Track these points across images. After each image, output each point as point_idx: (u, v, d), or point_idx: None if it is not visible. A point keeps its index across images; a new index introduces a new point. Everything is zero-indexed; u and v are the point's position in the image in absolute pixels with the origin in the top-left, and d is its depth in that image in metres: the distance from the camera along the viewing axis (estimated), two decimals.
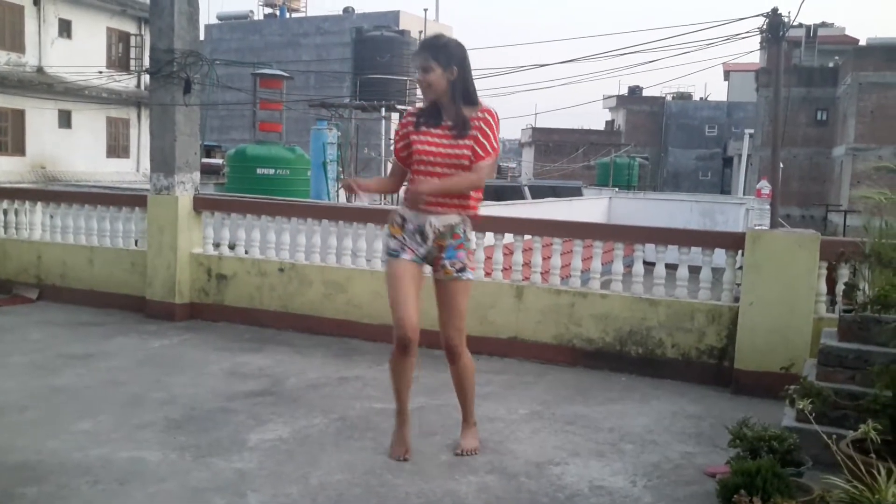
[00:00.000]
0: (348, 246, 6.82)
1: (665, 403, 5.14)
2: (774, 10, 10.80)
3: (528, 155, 60.78)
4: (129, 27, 28.45)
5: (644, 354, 5.84)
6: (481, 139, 3.78)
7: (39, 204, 8.29)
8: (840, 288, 5.34)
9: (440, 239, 3.86)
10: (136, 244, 7.77)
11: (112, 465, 3.77)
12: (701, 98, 64.56)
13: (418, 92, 3.95)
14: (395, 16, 42.07)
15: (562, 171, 48.86)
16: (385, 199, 16.97)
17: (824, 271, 5.49)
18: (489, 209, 17.42)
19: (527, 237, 6.39)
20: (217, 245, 7.39)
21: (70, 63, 24.45)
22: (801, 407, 3.65)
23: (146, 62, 8.65)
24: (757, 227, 6.49)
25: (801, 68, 41.80)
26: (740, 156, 39.15)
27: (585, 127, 62.16)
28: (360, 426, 4.45)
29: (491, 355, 6.15)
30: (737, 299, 5.67)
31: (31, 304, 7.73)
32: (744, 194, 33.61)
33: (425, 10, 39.85)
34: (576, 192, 31.83)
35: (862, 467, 3.03)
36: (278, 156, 20.29)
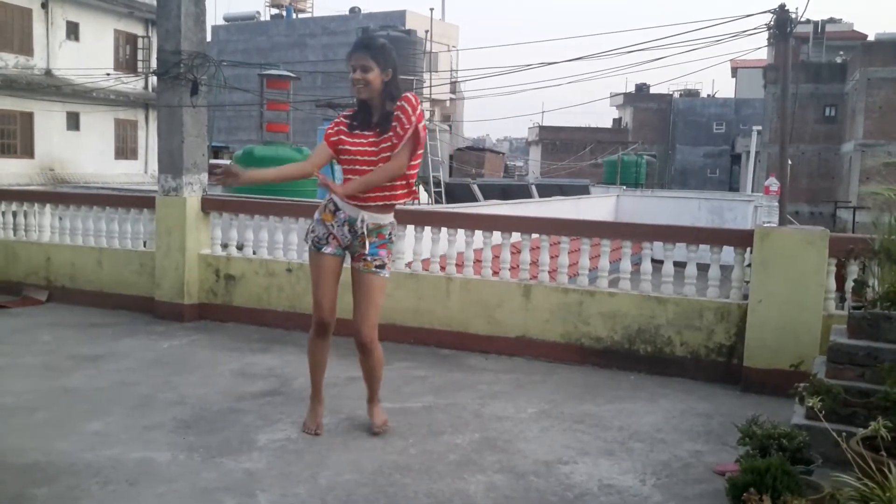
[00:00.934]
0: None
1: (674, 402, 5.13)
2: (782, 7, 10.76)
3: (536, 153, 60.72)
4: (137, 29, 28.54)
5: (653, 353, 5.83)
6: (402, 118, 3.92)
7: (48, 206, 8.33)
8: (849, 285, 5.31)
9: (367, 235, 4.08)
10: (144, 245, 7.80)
11: (122, 465, 3.79)
12: (708, 95, 64.41)
13: (410, 97, 4.01)
14: (401, 15, 42.09)
15: (569, 170, 48.81)
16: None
17: (833, 268, 5.47)
18: (496, 208, 17.42)
19: (534, 236, 6.39)
20: (225, 246, 7.40)
21: (78, 65, 24.54)
22: (810, 404, 3.64)
23: (153, 64, 8.67)
24: (765, 225, 6.48)
25: (809, 64, 41.64)
26: (748, 153, 39.06)
27: (593, 125, 62.12)
28: (369, 426, 4.44)
29: (499, 354, 6.15)
30: (745, 297, 5.66)
31: (41, 305, 7.77)
32: (752, 191, 33.54)
33: (431, 9, 39.91)
34: (583, 191, 31.80)
35: (872, 465, 3.03)
36: (286, 156, 20.29)
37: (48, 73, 25.07)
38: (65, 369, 5.48)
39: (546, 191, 29.19)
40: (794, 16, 10.76)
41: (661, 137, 58.43)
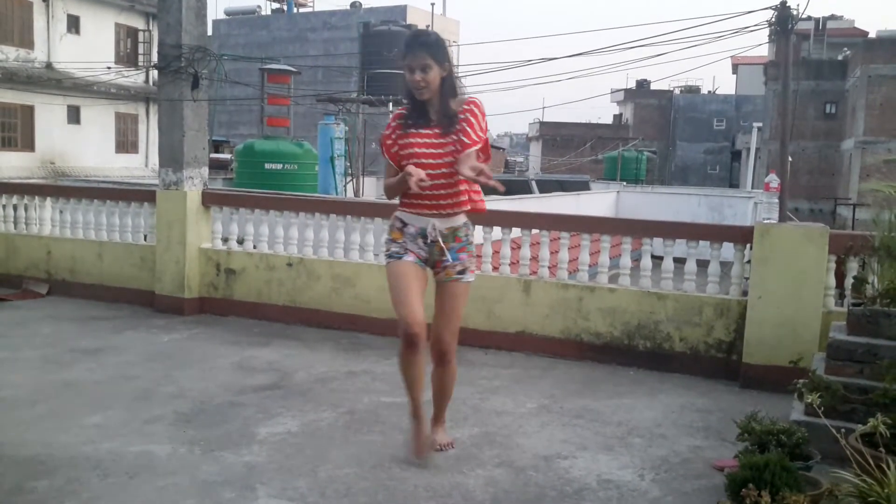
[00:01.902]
0: (356, 240, 6.84)
1: (673, 397, 5.14)
2: (783, 3, 10.74)
3: (536, 149, 60.68)
4: (138, 23, 28.49)
5: (652, 348, 5.84)
6: (467, 129, 3.64)
7: (49, 199, 8.33)
8: (849, 282, 5.32)
9: (442, 242, 3.76)
10: (145, 239, 7.80)
11: (122, 458, 3.80)
12: (709, 91, 64.33)
13: (476, 101, 3.74)
14: (402, 10, 42.00)
15: (569, 166, 48.79)
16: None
17: (833, 265, 5.47)
18: (496, 203, 17.42)
19: (534, 231, 6.39)
20: (226, 240, 7.41)
21: (79, 59, 24.53)
22: (809, 401, 3.65)
23: (154, 58, 8.65)
24: (765, 221, 6.47)
25: (810, 61, 41.58)
26: (749, 149, 39.00)
27: (593, 121, 62.10)
28: (369, 420, 4.46)
29: (499, 349, 6.16)
30: (745, 293, 5.66)
31: (41, 298, 7.77)
32: (752, 188, 33.49)
33: (432, 4, 39.85)
34: (583, 187, 31.77)
35: (871, 461, 3.03)
36: (286, 151, 20.32)
37: (49, 66, 25.04)
38: (65, 362, 5.49)
39: (546, 186, 29.18)
40: (795, 12, 10.74)
41: (661, 134, 58.39)
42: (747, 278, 5.74)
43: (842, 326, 4.45)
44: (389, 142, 3.82)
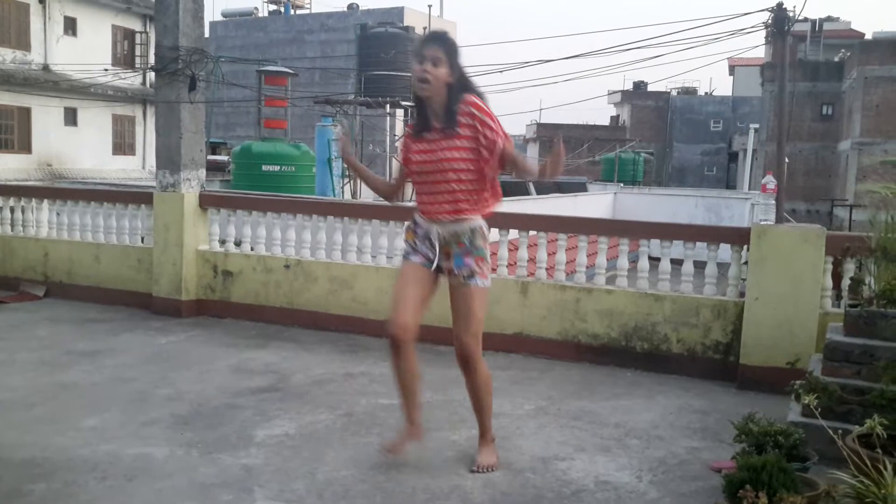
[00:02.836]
0: (353, 242, 6.84)
1: (670, 398, 5.15)
2: (779, 5, 10.75)
3: (533, 151, 60.63)
4: (135, 24, 28.49)
5: (649, 350, 5.84)
6: (488, 133, 3.55)
7: (46, 201, 8.33)
8: (846, 283, 5.34)
9: (446, 246, 3.74)
10: (142, 241, 7.80)
11: (119, 461, 3.79)
12: (706, 93, 64.44)
13: (477, 99, 3.66)
14: (399, 12, 42.02)
15: (567, 167, 48.76)
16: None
17: (830, 266, 5.48)
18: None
19: (531, 233, 6.39)
20: (223, 242, 7.41)
21: (75, 61, 24.50)
22: (806, 402, 3.66)
23: (151, 59, 8.65)
24: (762, 222, 6.48)
25: (807, 63, 41.69)
26: (745, 151, 39.09)
27: (590, 122, 62.05)
28: (366, 422, 4.46)
29: (496, 351, 6.15)
30: (742, 294, 5.67)
31: (38, 301, 7.76)
32: (749, 189, 33.56)
33: (429, 6, 39.89)
34: (581, 188, 31.79)
35: (868, 462, 3.04)
36: (283, 152, 20.31)
37: (46, 68, 25.03)
38: (62, 365, 5.48)
39: (543, 188, 29.18)
40: (791, 14, 10.76)
41: (658, 135, 58.44)
42: (744, 279, 5.74)
43: (839, 328, 4.46)
44: (403, 148, 3.88)
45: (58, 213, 8.22)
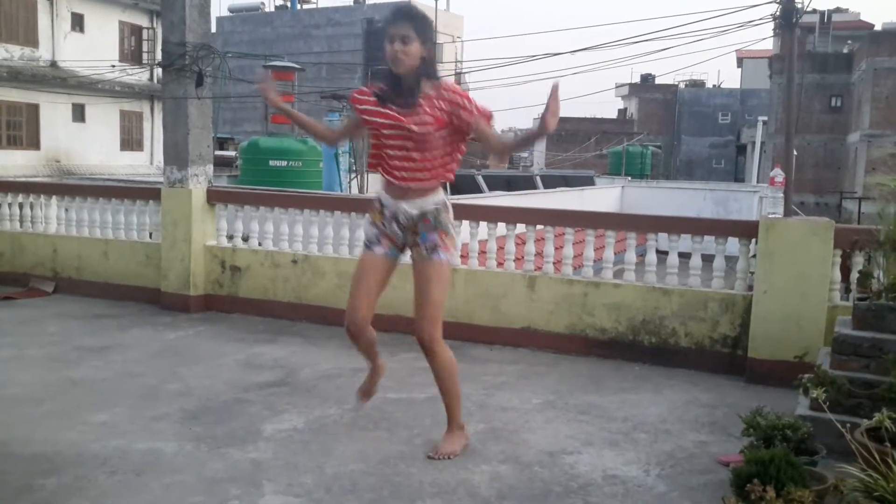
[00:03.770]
0: (361, 237, 6.83)
1: (678, 392, 5.14)
2: None
3: (540, 144, 60.49)
4: (142, 20, 28.54)
5: (657, 344, 5.84)
6: (461, 113, 3.63)
7: (54, 197, 8.36)
8: (854, 276, 5.32)
9: (413, 225, 3.79)
10: (150, 237, 7.82)
11: (129, 456, 3.81)
12: (714, 85, 64.24)
13: (452, 83, 3.74)
14: (405, 6, 41.96)
15: (574, 161, 48.72)
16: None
17: (838, 259, 5.46)
18: (500, 199, 17.42)
19: (539, 227, 6.39)
20: (231, 237, 7.43)
21: (83, 57, 24.58)
22: (815, 395, 3.64)
23: (158, 55, 8.67)
24: (770, 216, 6.45)
25: (816, 54, 41.48)
26: (754, 143, 38.93)
27: (598, 115, 61.93)
28: (374, 416, 4.47)
29: (504, 345, 6.16)
30: (750, 288, 5.66)
31: (48, 296, 7.80)
32: (757, 182, 33.43)
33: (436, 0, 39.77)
34: (588, 182, 31.75)
35: (876, 456, 3.03)
36: (291, 148, 20.31)
37: (53, 64, 25.10)
38: (71, 360, 5.50)
39: (551, 182, 29.16)
40: (800, 6, 10.70)
41: (666, 128, 58.30)
42: (752, 273, 5.73)
43: (847, 321, 4.45)
44: (360, 98, 3.84)
45: (66, 210, 8.25)
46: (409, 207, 3.77)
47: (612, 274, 6.18)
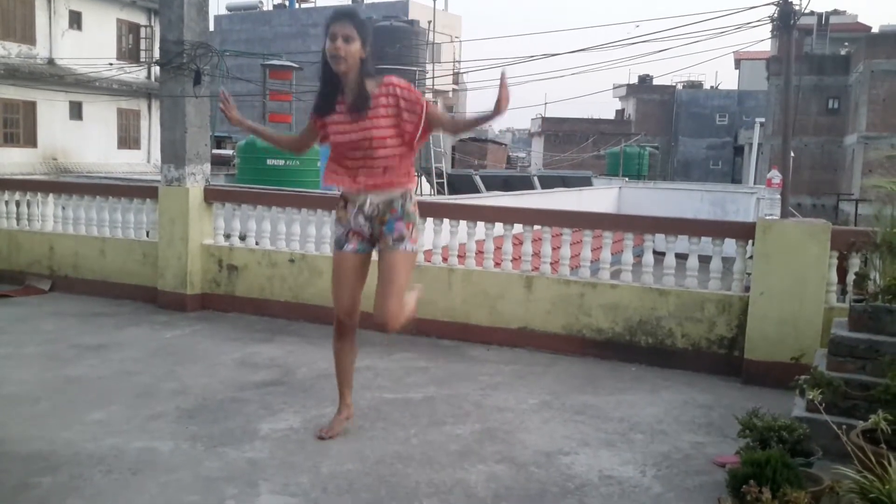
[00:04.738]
0: None
1: (675, 393, 5.15)
2: None
3: (538, 145, 60.63)
4: (139, 18, 28.51)
5: (654, 344, 5.84)
6: (413, 109, 3.72)
7: (51, 195, 8.34)
8: (851, 278, 5.32)
9: (380, 215, 3.86)
10: (147, 235, 7.81)
11: (125, 454, 3.81)
12: (712, 87, 64.25)
13: (395, 79, 3.83)
14: (403, 6, 41.97)
15: (572, 161, 48.76)
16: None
17: (835, 261, 5.47)
18: (497, 200, 17.42)
19: (536, 227, 6.39)
20: (228, 236, 7.41)
21: (80, 55, 24.54)
22: (811, 397, 3.65)
23: (156, 53, 8.66)
24: (767, 217, 6.47)
25: (813, 56, 41.52)
26: (751, 145, 38.97)
27: (595, 116, 61.96)
28: (371, 416, 4.47)
29: (500, 345, 6.16)
30: (747, 289, 5.66)
31: (44, 294, 7.79)
32: (754, 183, 33.48)
33: None
34: (586, 182, 31.76)
35: (872, 457, 3.03)
36: None
37: (51, 62, 25.07)
38: (67, 359, 5.50)
39: (548, 182, 29.17)
40: (797, 7, 10.73)
41: (663, 129, 58.34)
42: (749, 274, 5.74)
43: (843, 323, 4.45)
44: (319, 125, 3.94)
45: (63, 208, 8.23)
46: (375, 198, 3.86)
47: (609, 274, 6.17)
